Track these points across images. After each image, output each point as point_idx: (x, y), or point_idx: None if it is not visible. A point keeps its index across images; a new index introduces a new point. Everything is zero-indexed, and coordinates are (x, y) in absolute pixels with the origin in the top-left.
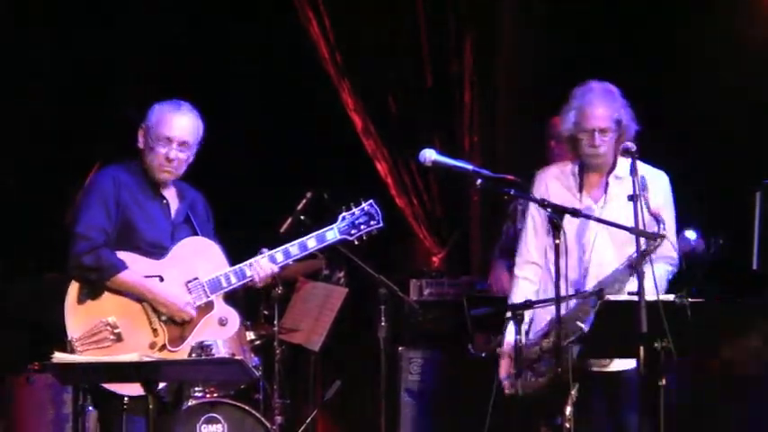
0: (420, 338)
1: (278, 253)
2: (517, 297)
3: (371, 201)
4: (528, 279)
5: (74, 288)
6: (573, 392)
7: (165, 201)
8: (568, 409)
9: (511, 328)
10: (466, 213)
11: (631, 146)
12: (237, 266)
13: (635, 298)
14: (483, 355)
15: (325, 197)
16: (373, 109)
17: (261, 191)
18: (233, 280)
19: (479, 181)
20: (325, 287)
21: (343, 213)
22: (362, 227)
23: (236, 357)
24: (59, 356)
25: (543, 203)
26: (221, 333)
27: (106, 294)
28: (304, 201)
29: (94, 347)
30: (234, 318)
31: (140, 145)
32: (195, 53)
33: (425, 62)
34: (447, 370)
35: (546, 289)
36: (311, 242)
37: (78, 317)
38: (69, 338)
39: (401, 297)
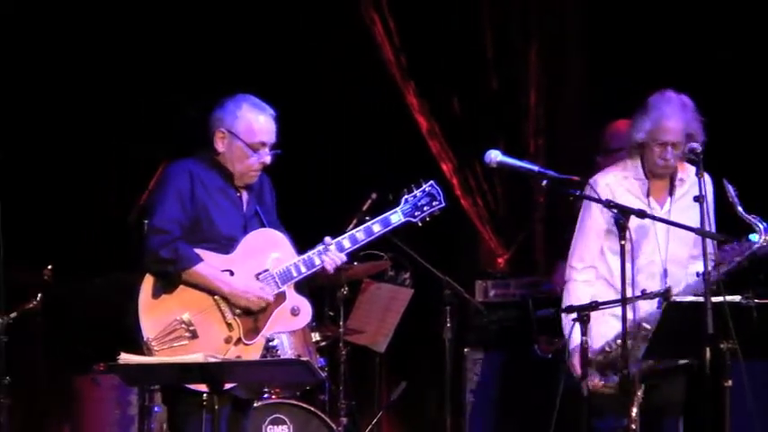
0: (485, 339)
1: (345, 240)
2: (578, 300)
3: (432, 181)
4: (588, 282)
5: (147, 286)
6: (639, 393)
7: (238, 194)
8: (634, 411)
9: (577, 329)
10: (531, 214)
11: (697, 146)
12: (306, 255)
13: (701, 299)
14: (548, 356)
15: (390, 198)
16: (438, 110)
17: (325, 192)
18: (303, 269)
19: (545, 182)
20: (391, 288)
21: (405, 196)
22: (425, 208)
23: (303, 358)
24: (125, 357)
25: (609, 204)
26: (295, 323)
27: (179, 291)
28: (369, 201)
29: (170, 346)
30: (306, 307)
31: (220, 149)
32: (256, 53)
33: (490, 63)
34: (512, 371)
35: (599, 292)
36: (376, 227)
37: (152, 316)
38: (145, 339)
39: (466, 298)
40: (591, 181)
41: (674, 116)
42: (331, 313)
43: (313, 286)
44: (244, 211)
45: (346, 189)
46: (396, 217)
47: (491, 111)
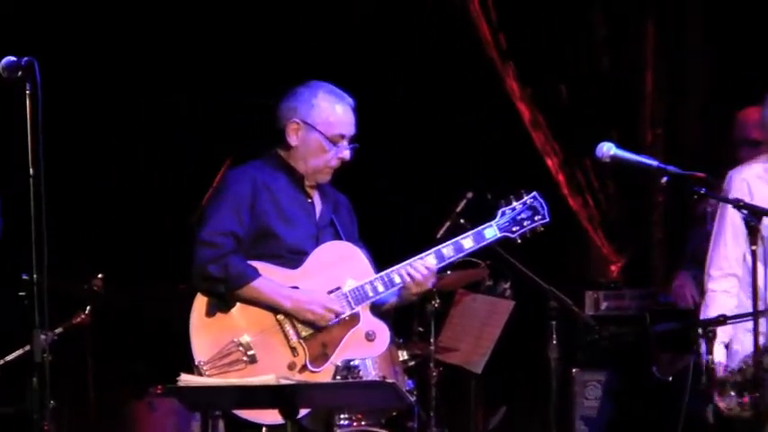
0: (596, 358)
1: (429, 256)
2: (717, 313)
3: (535, 193)
4: (728, 293)
5: (200, 304)
6: None
7: (310, 200)
8: None
9: (719, 348)
10: (648, 216)
11: None
12: (384, 273)
13: None
14: (669, 378)
15: (487, 197)
16: (542, 97)
17: (414, 191)
18: (380, 289)
19: (665, 179)
20: (488, 300)
21: (503, 208)
22: (525, 223)
23: (388, 380)
24: (186, 378)
25: (738, 204)
26: (369, 350)
27: (236, 310)
28: (463, 202)
29: (225, 371)
30: (383, 332)
31: (293, 142)
32: (337, 34)
33: (601, 44)
34: (627, 394)
35: (742, 304)
36: (467, 242)
37: (205, 337)
38: (197, 362)
39: (575, 311)
40: (728, 176)
41: None
42: (420, 329)
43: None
44: (316, 220)
45: (438, 187)
46: (490, 231)
47: (602, 97)
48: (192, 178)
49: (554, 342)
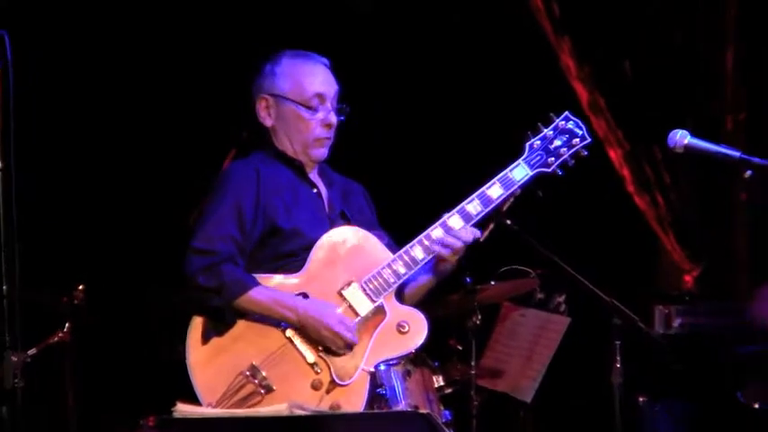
0: (668, 385)
1: (453, 217)
2: None
3: (567, 113)
4: None
5: (195, 336)
6: None
7: (315, 190)
8: None
9: None
10: (729, 217)
11: None
12: (402, 250)
13: None
14: (756, 405)
15: (538, 194)
16: (604, 76)
17: (451, 186)
18: (401, 270)
19: (749, 172)
20: (540, 316)
21: (531, 141)
22: (562, 150)
23: (421, 410)
24: (183, 408)
25: None
26: (405, 343)
27: (237, 333)
28: (510, 200)
29: (241, 408)
30: (417, 319)
31: (268, 122)
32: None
33: (673, 13)
34: (706, 427)
35: None
36: (495, 190)
37: (209, 374)
38: (205, 406)
39: (642, 329)
40: None
41: None
42: (459, 347)
43: (433, 313)
44: (327, 212)
45: (481, 180)
46: (520, 171)
47: (675, 77)
48: (192, 178)
49: (618, 365)
